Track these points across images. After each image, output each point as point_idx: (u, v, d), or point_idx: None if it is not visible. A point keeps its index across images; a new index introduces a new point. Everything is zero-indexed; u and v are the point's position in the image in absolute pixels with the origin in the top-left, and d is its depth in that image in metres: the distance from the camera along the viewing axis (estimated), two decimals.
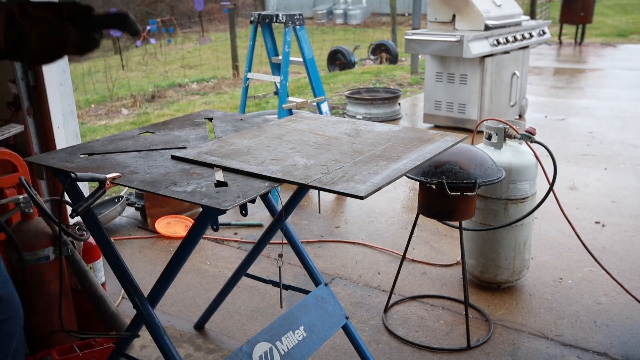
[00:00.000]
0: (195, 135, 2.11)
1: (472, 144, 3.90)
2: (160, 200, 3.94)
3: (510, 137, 2.90)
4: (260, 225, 3.97)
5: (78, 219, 2.38)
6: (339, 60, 11.19)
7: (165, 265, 1.79)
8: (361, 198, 1.50)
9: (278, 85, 4.56)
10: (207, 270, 3.40)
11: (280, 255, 2.09)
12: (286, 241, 2.43)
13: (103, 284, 2.78)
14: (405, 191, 4.61)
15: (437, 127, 6.31)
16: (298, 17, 4.35)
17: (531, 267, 3.27)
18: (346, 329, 2.39)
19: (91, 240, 2.57)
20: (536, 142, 2.79)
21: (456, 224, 2.76)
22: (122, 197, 4.11)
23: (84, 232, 2.48)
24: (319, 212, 4.24)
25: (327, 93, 7.65)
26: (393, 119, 6.87)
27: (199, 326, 2.84)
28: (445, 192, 2.46)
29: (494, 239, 2.96)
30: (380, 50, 11.66)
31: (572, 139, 5.87)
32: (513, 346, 2.63)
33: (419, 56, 9.86)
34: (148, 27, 11.13)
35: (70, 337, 2.34)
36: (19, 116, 3.26)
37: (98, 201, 2.02)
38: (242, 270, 2.61)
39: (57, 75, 3.20)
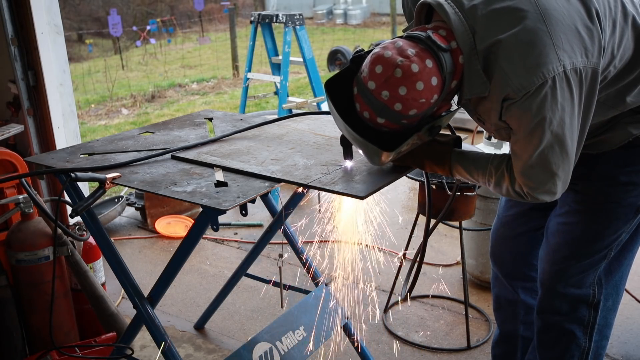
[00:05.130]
0: (195, 135, 2.11)
1: (472, 143, 3.90)
2: (160, 200, 3.94)
3: None
4: (260, 225, 3.97)
5: (78, 219, 2.38)
6: (339, 60, 11.17)
7: (165, 265, 1.79)
8: (361, 198, 1.50)
9: (278, 85, 4.56)
10: (207, 270, 3.39)
11: (281, 255, 2.09)
12: (286, 241, 2.43)
13: (103, 284, 2.78)
14: (405, 191, 4.61)
15: None
16: (298, 17, 4.35)
17: None
18: (346, 329, 2.39)
19: (91, 240, 2.57)
20: None
21: (456, 224, 2.76)
22: (122, 197, 4.11)
23: (84, 232, 2.48)
24: (319, 212, 4.23)
25: None
26: None
27: (199, 326, 2.84)
28: (445, 192, 2.45)
29: None
30: None
31: None
32: None
33: None
34: (148, 27, 11.11)
35: (69, 338, 2.34)
36: (19, 116, 3.26)
37: (98, 201, 2.02)
38: (242, 270, 2.61)
39: (57, 75, 3.20)
